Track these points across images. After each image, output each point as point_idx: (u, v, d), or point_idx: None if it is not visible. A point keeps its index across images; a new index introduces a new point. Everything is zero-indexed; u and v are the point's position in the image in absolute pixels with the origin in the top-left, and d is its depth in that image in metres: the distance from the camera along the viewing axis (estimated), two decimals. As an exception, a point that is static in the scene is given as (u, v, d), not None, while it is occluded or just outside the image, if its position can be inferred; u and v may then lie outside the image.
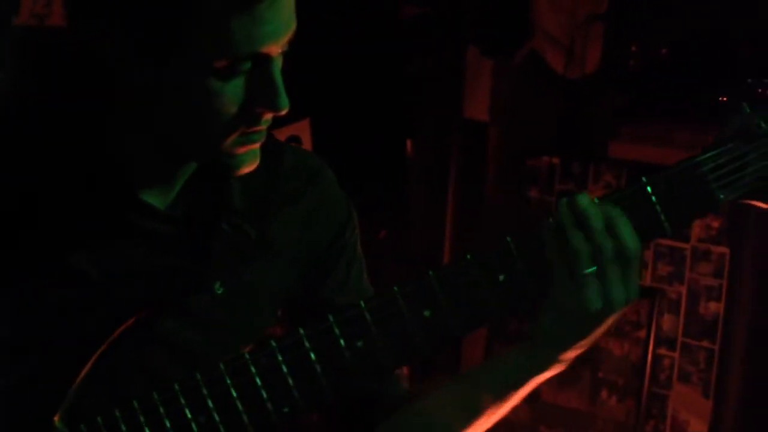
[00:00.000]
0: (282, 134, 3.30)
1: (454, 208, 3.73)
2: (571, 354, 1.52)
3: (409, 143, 3.67)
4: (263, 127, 1.48)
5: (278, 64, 1.45)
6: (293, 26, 1.44)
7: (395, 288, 1.47)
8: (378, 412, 1.67)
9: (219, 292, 1.54)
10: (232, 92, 1.43)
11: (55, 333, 1.49)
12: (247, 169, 1.52)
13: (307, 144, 3.37)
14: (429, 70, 3.65)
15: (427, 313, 1.47)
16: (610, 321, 1.48)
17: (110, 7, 1.41)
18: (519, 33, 3.56)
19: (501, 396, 1.58)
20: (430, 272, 1.48)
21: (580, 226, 1.43)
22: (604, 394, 3.49)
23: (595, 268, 1.42)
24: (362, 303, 1.47)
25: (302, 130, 3.38)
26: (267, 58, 1.43)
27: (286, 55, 1.46)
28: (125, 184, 1.52)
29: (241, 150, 1.49)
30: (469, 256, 1.48)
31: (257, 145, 1.50)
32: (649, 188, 1.46)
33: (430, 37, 3.63)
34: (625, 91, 3.33)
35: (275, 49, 1.44)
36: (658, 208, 1.47)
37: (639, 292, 1.47)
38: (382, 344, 1.47)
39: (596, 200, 1.45)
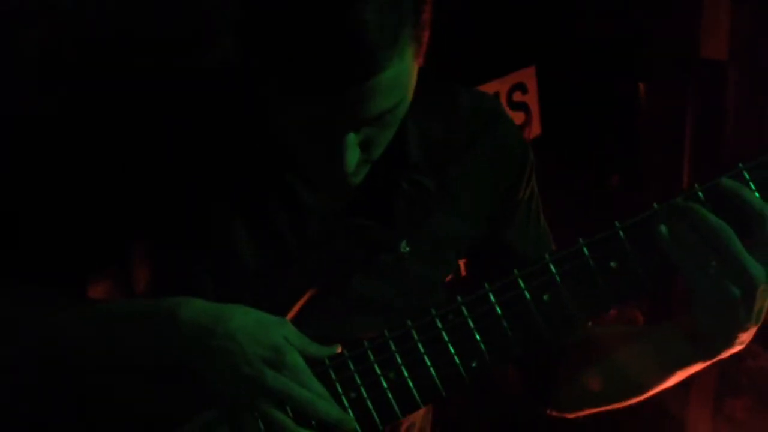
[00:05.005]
0: (507, 82, 3.26)
1: (691, 154, 3.59)
2: (744, 337, 1.45)
3: (641, 86, 3.55)
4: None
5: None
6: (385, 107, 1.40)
7: (580, 239, 1.44)
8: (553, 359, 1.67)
9: (406, 250, 1.55)
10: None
11: (252, 296, 1.52)
12: None
13: (532, 91, 3.31)
14: (662, 9, 3.51)
15: (613, 264, 1.43)
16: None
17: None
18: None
19: (665, 377, 1.57)
20: (616, 223, 1.44)
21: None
22: None
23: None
24: (546, 255, 1.45)
25: (528, 77, 3.32)
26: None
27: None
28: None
29: None
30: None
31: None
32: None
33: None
34: None
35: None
36: None
37: None
38: (568, 297, 1.44)
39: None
